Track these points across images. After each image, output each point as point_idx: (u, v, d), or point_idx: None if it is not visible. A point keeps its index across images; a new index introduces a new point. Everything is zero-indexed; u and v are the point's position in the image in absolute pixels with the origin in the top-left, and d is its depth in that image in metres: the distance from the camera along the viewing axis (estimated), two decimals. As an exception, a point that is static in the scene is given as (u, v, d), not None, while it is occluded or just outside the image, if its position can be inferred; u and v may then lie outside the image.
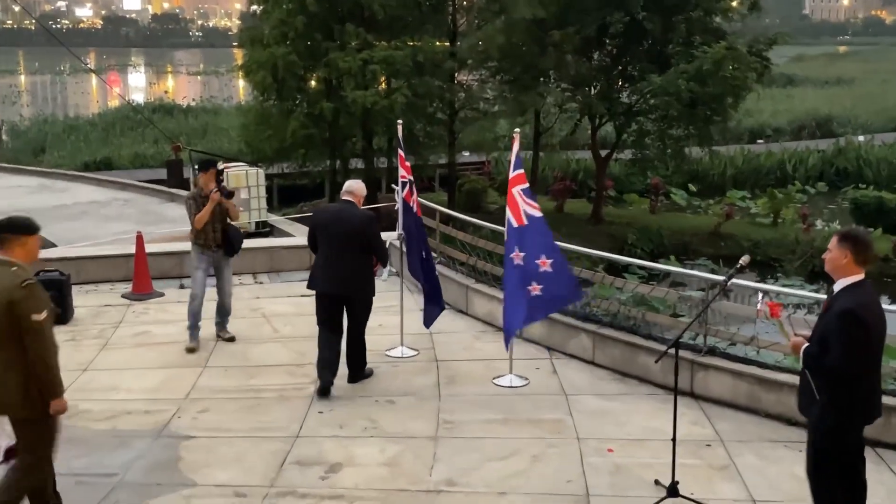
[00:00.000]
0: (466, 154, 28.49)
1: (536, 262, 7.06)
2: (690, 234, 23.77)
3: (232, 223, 8.88)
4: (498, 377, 7.80)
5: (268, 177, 18.10)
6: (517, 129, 7.50)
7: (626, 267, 18.14)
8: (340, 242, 7.46)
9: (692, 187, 29.76)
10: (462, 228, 11.86)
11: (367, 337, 8.19)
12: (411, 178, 8.24)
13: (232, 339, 8.90)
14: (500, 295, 9.21)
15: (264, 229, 15.79)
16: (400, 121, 8.78)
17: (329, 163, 24.03)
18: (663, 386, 7.46)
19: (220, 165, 9.29)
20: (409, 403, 7.29)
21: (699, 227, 24.35)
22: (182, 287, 10.92)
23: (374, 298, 7.70)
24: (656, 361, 5.82)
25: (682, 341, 5.87)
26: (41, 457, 5.04)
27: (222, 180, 8.98)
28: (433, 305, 8.12)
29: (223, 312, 9.07)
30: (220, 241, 8.79)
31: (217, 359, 8.41)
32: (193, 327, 8.71)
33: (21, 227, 4.98)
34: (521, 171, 7.29)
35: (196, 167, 9.19)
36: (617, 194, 28.37)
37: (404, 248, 8.58)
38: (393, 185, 10.57)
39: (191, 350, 8.60)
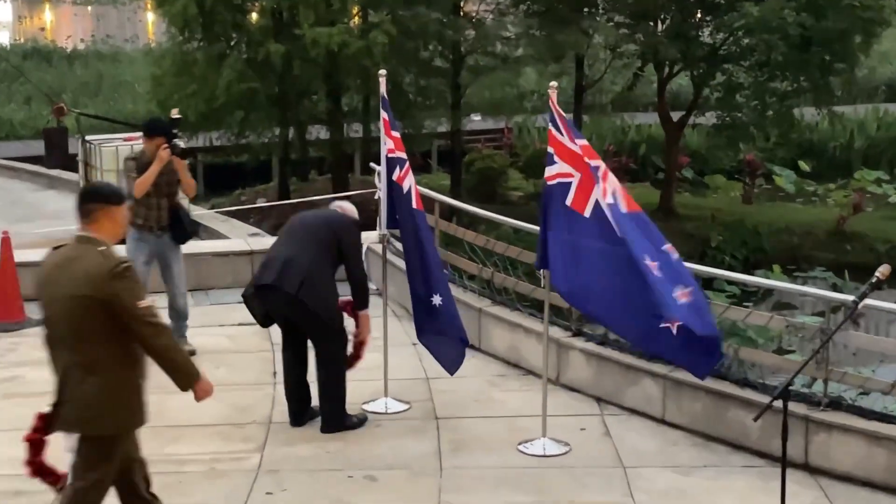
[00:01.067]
0: (477, 118, 28.60)
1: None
2: (802, 234, 23.79)
3: (182, 199, 9.30)
4: (526, 442, 7.80)
5: (190, 152, 18.10)
6: (553, 83, 7.51)
7: (709, 281, 18.14)
8: (304, 233, 8.03)
9: (804, 165, 29.83)
10: (472, 226, 11.85)
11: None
12: (403, 154, 8.25)
13: (192, 353, 8.97)
14: (527, 322, 9.25)
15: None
16: (383, 71, 8.78)
17: (279, 131, 24.06)
18: (766, 454, 7.45)
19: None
20: (396, 480, 7.28)
21: (814, 224, 24.38)
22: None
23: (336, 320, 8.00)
24: (756, 419, 5.81)
25: (793, 389, 5.87)
26: (103, 475, 5.72)
27: (177, 134, 9.36)
28: (450, 339, 8.08)
29: (177, 317, 9.30)
30: (165, 221, 9.08)
31: (119, 416, 8.40)
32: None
33: (110, 196, 5.67)
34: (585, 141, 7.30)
35: (144, 131, 9.52)
36: (695, 176, 28.44)
37: (388, 255, 8.58)
38: (372, 165, 10.59)
39: None
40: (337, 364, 8.02)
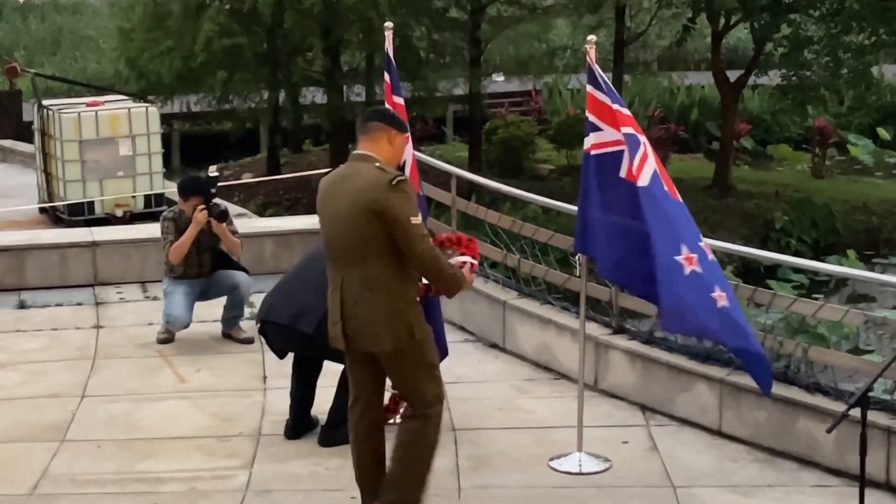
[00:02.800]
0: (500, 79, 28.58)
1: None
2: (882, 214, 23.76)
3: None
4: (559, 457, 7.79)
5: (165, 119, 18.16)
6: (591, 37, 7.49)
7: (773, 269, 18.14)
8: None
9: (883, 134, 29.78)
10: (494, 205, 11.85)
11: (325, 391, 8.23)
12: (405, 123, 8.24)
13: (250, 341, 9.71)
14: (560, 318, 9.25)
15: (159, 208, 15.86)
16: (389, 23, 8.77)
17: (267, 94, 24.09)
18: (841, 472, 7.44)
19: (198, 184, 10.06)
20: (408, 502, 7.29)
21: (896, 202, 24.37)
22: (23, 307, 10.99)
23: None
24: (830, 430, 5.80)
25: (873, 396, 5.86)
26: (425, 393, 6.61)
27: (215, 193, 9.83)
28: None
29: (236, 304, 9.92)
30: (209, 268, 9.90)
31: (83, 427, 8.44)
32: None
33: (394, 121, 6.70)
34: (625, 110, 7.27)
35: (179, 190, 10.07)
36: (756, 146, 28.42)
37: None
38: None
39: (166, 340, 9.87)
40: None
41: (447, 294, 6.92)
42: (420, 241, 6.33)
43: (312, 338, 7.71)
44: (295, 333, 7.87)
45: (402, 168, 8.18)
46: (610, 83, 7.36)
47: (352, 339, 6.50)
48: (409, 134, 7.00)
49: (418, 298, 6.61)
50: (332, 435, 7.98)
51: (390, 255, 6.32)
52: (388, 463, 6.70)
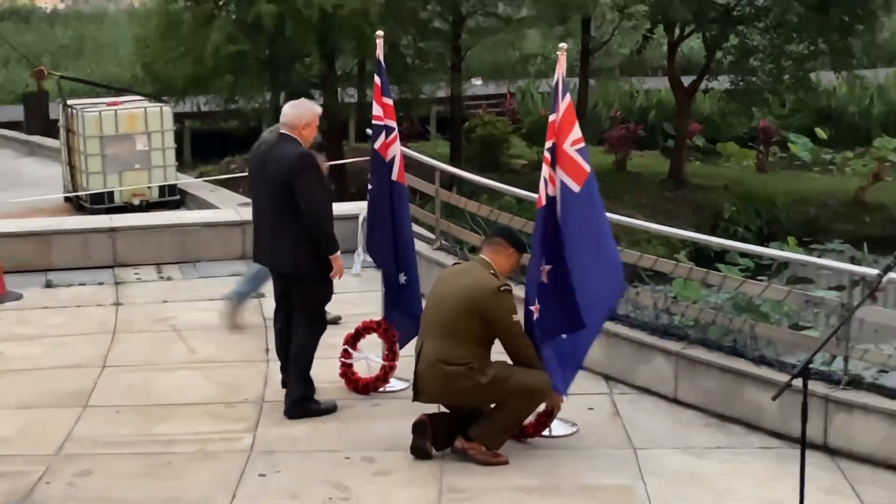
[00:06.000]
0: (479, 83, 28.53)
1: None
2: (818, 205, 23.82)
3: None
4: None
5: (177, 118, 18.08)
6: (563, 45, 7.45)
7: (721, 254, 18.14)
8: (269, 194, 7.77)
9: (821, 133, 29.82)
10: (473, 195, 11.83)
11: (329, 361, 8.20)
12: (392, 122, 8.22)
13: (336, 321, 9.06)
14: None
15: (172, 197, 15.79)
16: (380, 32, 8.73)
17: (269, 96, 23.99)
18: (783, 435, 7.46)
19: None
20: (396, 461, 7.27)
21: (832, 194, 24.41)
22: (49, 286, 10.93)
23: (326, 285, 7.88)
24: (775, 398, 5.80)
25: (812, 367, 5.86)
26: None
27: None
28: (407, 317, 8.13)
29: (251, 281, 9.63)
30: None
31: (104, 394, 8.42)
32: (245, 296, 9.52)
33: (517, 243, 7.37)
34: (570, 103, 7.20)
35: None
36: (707, 144, 28.42)
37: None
38: (368, 131, 10.53)
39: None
40: (305, 341, 7.96)
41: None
42: (518, 338, 7.14)
43: None
44: None
45: (389, 163, 8.21)
46: (561, 93, 7.25)
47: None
48: (524, 252, 7.42)
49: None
50: (293, 407, 7.92)
51: (476, 343, 7.11)
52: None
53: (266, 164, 7.79)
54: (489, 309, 6.97)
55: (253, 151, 8.22)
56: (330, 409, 7.95)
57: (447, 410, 7.35)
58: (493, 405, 7.19)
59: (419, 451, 7.20)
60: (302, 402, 7.90)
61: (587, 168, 7.11)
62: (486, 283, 7.02)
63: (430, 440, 7.19)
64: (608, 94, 29.94)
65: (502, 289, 7.01)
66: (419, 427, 7.20)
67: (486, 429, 7.17)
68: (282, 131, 7.83)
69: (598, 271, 7.17)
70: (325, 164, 8.71)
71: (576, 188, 7.07)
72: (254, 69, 22.94)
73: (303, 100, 8.12)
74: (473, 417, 7.21)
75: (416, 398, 7.27)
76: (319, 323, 7.98)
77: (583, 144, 7.20)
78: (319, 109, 8.06)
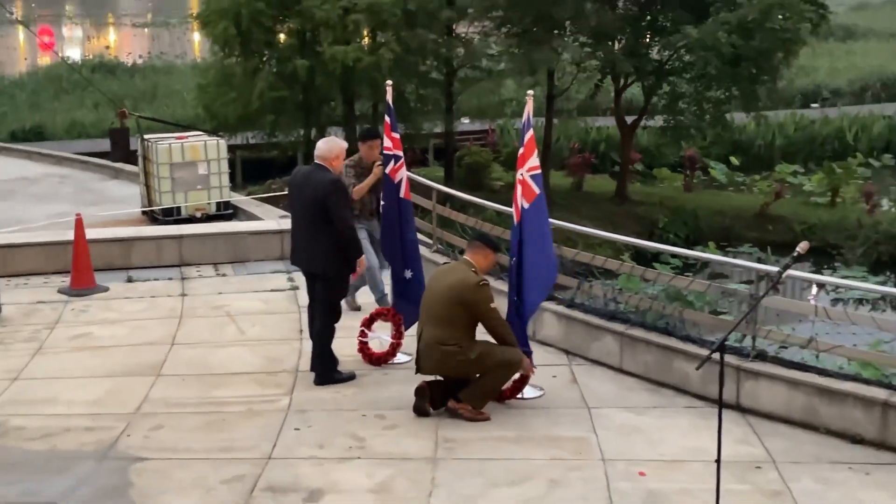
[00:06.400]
0: (466, 121, 28.48)
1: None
2: (732, 217, 23.81)
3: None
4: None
5: (230, 148, 18.06)
6: (530, 91, 7.45)
7: (657, 255, 18.17)
8: (305, 211, 7.73)
9: (734, 160, 29.80)
10: (462, 209, 11.79)
11: (350, 340, 8.19)
12: (399, 152, 8.23)
13: (357, 309, 9.22)
14: (507, 288, 9.21)
15: (227, 211, 15.75)
16: (389, 81, 8.72)
17: (303, 132, 24.00)
18: (704, 397, 7.46)
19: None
20: (402, 418, 7.27)
21: (743, 208, 24.40)
22: (130, 280, 10.90)
23: (343, 284, 7.90)
24: (698, 368, 5.82)
25: (728, 344, 5.86)
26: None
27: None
28: (409, 303, 8.12)
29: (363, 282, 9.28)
30: (374, 209, 9.23)
31: (172, 366, 8.40)
32: (381, 299, 9.15)
33: (493, 244, 7.33)
34: (532, 137, 7.24)
35: (360, 136, 9.53)
36: (645, 169, 28.39)
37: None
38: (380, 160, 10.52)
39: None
40: (328, 325, 7.91)
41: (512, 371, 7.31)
42: (491, 316, 7.09)
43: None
44: None
45: (397, 185, 8.22)
46: (536, 126, 7.40)
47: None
48: (498, 252, 7.46)
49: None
50: (321, 377, 7.89)
51: (464, 327, 7.10)
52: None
53: (304, 188, 7.73)
54: (472, 300, 6.98)
55: (292, 176, 8.13)
56: (350, 378, 7.94)
57: (441, 378, 7.33)
58: (478, 375, 7.19)
59: (420, 410, 7.20)
60: (327, 372, 7.89)
61: (537, 190, 7.31)
62: (468, 279, 7.02)
63: (428, 402, 7.20)
64: (568, 131, 29.88)
65: (481, 283, 7.02)
66: (420, 391, 7.22)
67: (473, 393, 7.19)
68: (316, 162, 7.80)
69: (540, 264, 7.32)
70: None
71: (526, 205, 7.29)
72: (290, 110, 22.96)
73: (332, 137, 8.14)
74: (463, 384, 7.21)
75: (417, 371, 7.29)
76: (336, 313, 7.94)
77: (538, 171, 7.39)
78: (345, 144, 8.05)
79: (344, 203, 7.69)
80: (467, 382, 7.23)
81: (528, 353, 7.42)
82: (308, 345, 8.25)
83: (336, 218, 7.56)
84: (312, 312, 8.03)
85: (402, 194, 8.22)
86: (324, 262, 7.73)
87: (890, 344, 8.35)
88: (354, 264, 7.77)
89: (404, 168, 8.31)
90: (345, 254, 7.70)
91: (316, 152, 7.83)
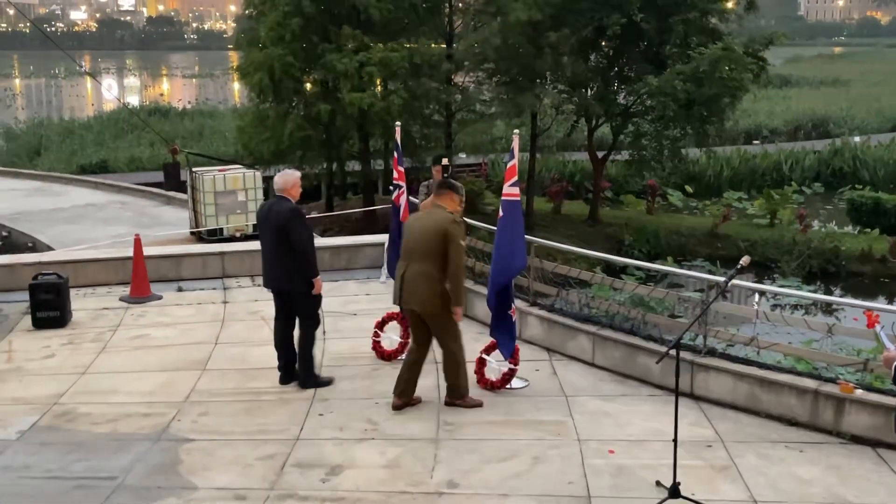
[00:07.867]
0: (463, 156, 28.51)
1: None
2: (687, 235, 23.81)
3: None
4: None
5: (265, 179, 18.09)
6: (517, 130, 7.49)
7: (623, 268, 18.16)
8: (271, 237, 7.47)
9: (689, 188, 29.84)
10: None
11: (364, 339, 8.20)
12: (402, 183, 8.30)
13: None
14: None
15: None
16: (398, 123, 8.77)
17: (326, 165, 24.04)
18: (664, 387, 7.46)
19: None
20: (409, 406, 7.25)
21: (696, 228, 24.39)
22: (180, 290, 10.91)
23: (316, 296, 7.52)
24: (657, 362, 5.82)
25: (683, 342, 5.87)
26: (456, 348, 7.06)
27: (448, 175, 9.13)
28: None
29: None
30: None
31: (216, 362, 8.40)
32: None
33: (455, 187, 7.12)
34: (514, 165, 7.26)
35: (432, 161, 9.24)
36: (614, 195, 28.41)
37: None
38: (391, 187, 10.58)
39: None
40: (309, 335, 7.64)
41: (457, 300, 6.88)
42: (456, 248, 6.78)
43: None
44: None
45: (399, 209, 8.25)
46: (521, 160, 7.42)
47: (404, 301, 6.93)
48: (462, 193, 7.18)
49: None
50: (304, 380, 7.65)
51: (441, 259, 6.81)
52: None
53: (269, 216, 7.50)
54: (449, 231, 6.78)
55: (259, 209, 7.85)
56: (329, 382, 7.68)
57: (409, 399, 7.13)
58: (443, 370, 7.15)
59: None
60: (309, 377, 7.68)
61: (512, 199, 7.26)
62: (446, 218, 6.87)
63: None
64: (549, 163, 29.94)
65: (456, 220, 6.89)
66: (397, 409, 7.12)
67: (450, 387, 7.14)
68: (277, 194, 7.57)
69: (508, 256, 7.20)
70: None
71: (502, 212, 7.28)
72: (315, 147, 23.00)
73: (287, 170, 7.79)
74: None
75: (398, 303, 7.06)
76: (315, 322, 7.64)
77: (515, 188, 7.29)
78: (298, 174, 7.77)
79: (301, 227, 7.40)
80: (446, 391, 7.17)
81: (515, 349, 7.39)
82: (329, 344, 8.25)
83: (294, 241, 7.32)
84: (277, 325, 7.71)
85: (401, 217, 8.28)
86: (291, 280, 7.42)
87: (819, 342, 8.35)
88: (312, 282, 7.41)
89: (405, 195, 8.39)
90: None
91: (275, 186, 7.60)
